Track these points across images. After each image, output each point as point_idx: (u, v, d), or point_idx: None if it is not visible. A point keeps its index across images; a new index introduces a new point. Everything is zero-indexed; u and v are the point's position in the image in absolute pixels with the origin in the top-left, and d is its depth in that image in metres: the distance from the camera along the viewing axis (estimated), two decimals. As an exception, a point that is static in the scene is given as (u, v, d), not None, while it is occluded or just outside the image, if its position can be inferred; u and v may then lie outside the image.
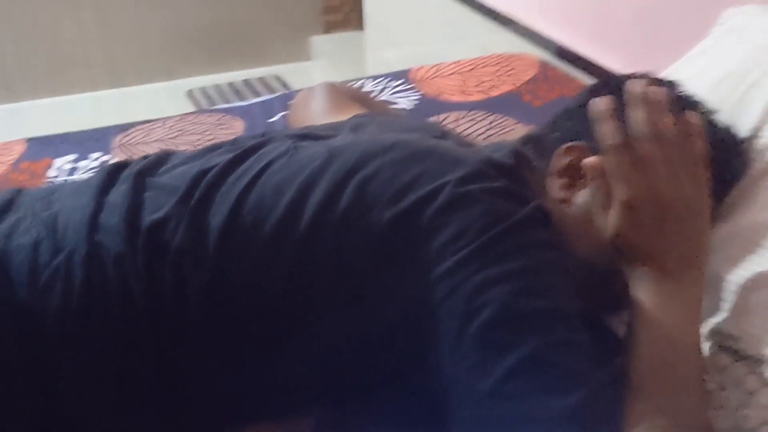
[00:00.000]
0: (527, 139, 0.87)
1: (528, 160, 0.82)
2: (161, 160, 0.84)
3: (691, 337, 0.70)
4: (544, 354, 0.61)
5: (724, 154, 0.81)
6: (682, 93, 0.85)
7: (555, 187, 0.80)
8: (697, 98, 0.85)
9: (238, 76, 3.12)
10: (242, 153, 0.80)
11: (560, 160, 0.80)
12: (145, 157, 0.85)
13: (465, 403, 0.62)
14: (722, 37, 1.07)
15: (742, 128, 0.88)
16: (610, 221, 0.71)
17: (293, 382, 0.73)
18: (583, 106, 0.84)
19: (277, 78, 3.12)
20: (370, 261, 0.69)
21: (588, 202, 0.77)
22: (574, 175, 0.79)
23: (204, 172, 0.77)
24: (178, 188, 0.75)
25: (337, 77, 2.20)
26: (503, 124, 1.33)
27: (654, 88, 0.71)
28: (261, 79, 3.11)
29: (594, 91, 0.87)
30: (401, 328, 0.68)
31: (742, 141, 0.86)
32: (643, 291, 0.70)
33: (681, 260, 0.70)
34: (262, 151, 0.80)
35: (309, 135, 0.88)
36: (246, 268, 0.70)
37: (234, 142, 0.90)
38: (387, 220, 0.69)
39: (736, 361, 0.75)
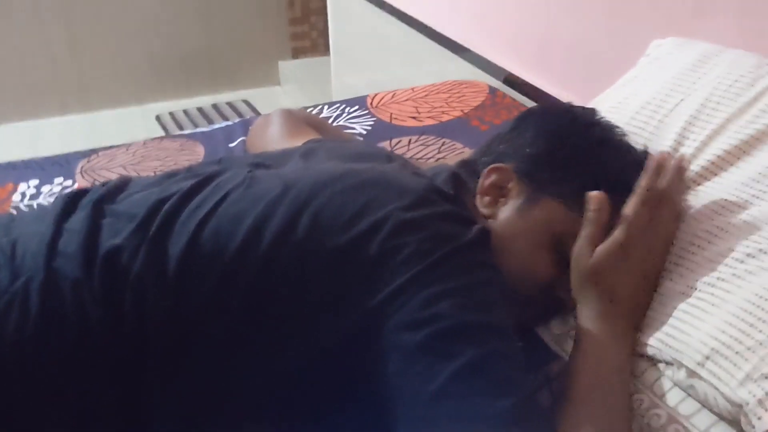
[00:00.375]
0: (463, 163, 0.95)
1: (463, 182, 0.90)
2: (120, 187, 0.87)
3: (627, 362, 0.80)
4: (482, 362, 0.68)
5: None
6: (601, 119, 0.92)
7: (482, 204, 0.88)
8: (613, 123, 0.93)
9: (207, 100, 3.16)
10: (199, 182, 0.83)
11: (486, 179, 0.89)
12: (104, 184, 0.88)
13: (411, 406, 0.68)
14: (646, 67, 1.15)
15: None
16: (598, 252, 0.82)
17: (248, 398, 0.76)
18: (512, 131, 0.93)
19: (246, 102, 3.17)
20: (325, 284, 0.74)
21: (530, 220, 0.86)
22: (497, 193, 0.88)
23: (162, 201, 0.80)
24: (136, 215, 0.79)
25: (305, 101, 2.25)
26: (452, 147, 1.39)
27: (681, 167, 0.86)
28: (230, 104, 3.15)
29: (522, 119, 0.95)
30: (352, 343, 0.72)
31: None
32: (595, 317, 0.81)
33: (632, 299, 0.83)
34: (218, 180, 0.84)
35: (262, 164, 0.93)
36: (205, 293, 0.74)
37: (189, 169, 0.93)
38: (340, 246, 0.74)
39: (652, 366, 0.82)
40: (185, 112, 3.09)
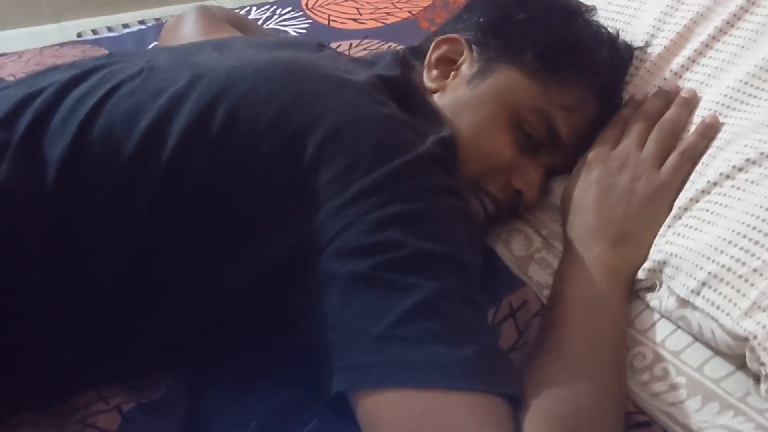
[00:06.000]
0: (409, 48, 0.86)
1: (410, 64, 0.81)
2: None
3: (622, 304, 0.68)
4: (440, 301, 0.55)
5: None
6: None
7: (429, 78, 0.79)
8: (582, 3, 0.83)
9: (134, 16, 2.91)
10: (82, 73, 0.69)
11: (434, 52, 0.80)
12: None
13: (352, 350, 0.55)
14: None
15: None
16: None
17: (152, 337, 0.65)
18: (462, 11, 0.85)
19: (176, 18, 2.95)
20: (249, 196, 0.61)
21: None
22: (447, 68, 0.79)
23: (32, 96, 0.65)
24: None
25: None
26: (399, 53, 1.25)
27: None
28: (159, 20, 2.92)
29: (473, 1, 0.85)
30: (283, 270, 0.60)
31: (631, 48, 0.83)
32: (585, 253, 0.69)
33: (632, 232, 0.70)
34: (107, 70, 0.69)
35: (164, 55, 0.76)
36: (96, 209, 0.61)
37: (73, 64, 0.77)
38: (264, 150, 0.61)
39: (635, 297, 0.70)
40: (109, 29, 2.84)
